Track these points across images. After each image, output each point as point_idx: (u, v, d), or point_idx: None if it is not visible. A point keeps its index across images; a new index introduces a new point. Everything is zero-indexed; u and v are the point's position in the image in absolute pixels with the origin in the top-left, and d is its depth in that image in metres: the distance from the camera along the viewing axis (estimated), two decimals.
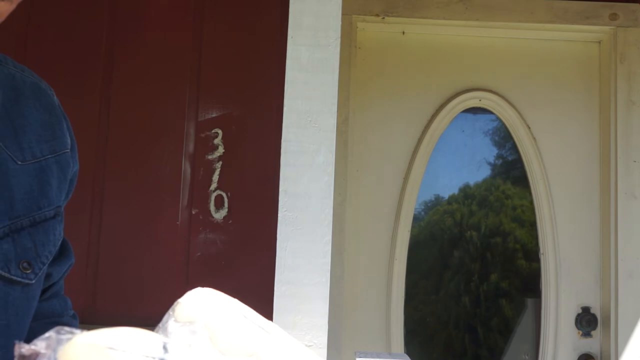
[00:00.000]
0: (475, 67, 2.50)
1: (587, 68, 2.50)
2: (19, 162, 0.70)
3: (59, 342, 0.35)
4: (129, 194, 2.20)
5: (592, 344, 2.39)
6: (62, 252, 0.82)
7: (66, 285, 0.89)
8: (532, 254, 2.50)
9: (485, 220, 2.55)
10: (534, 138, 2.48)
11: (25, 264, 0.68)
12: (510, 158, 2.58)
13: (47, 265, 0.74)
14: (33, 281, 0.70)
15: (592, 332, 2.39)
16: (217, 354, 0.42)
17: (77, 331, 0.37)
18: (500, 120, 2.52)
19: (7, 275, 0.67)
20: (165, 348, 0.40)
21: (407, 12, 2.39)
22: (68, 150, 0.78)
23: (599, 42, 2.49)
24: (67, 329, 0.37)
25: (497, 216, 2.55)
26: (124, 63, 2.25)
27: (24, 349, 0.34)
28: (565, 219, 2.44)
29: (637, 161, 2.33)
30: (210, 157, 2.22)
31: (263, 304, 1.69)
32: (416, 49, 2.50)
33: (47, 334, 0.36)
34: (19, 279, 0.68)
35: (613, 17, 2.37)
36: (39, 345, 0.35)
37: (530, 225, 2.51)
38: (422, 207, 2.54)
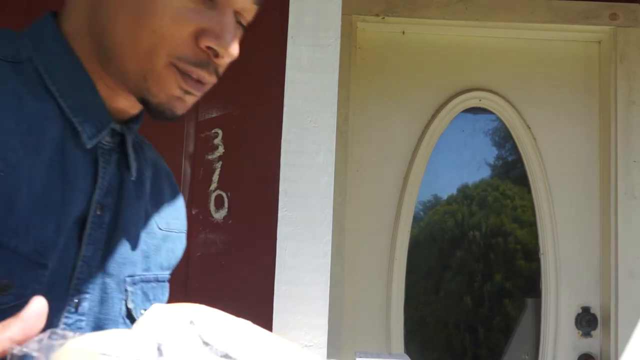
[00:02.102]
0: (475, 67, 2.50)
1: (587, 68, 2.50)
2: (160, 229, 0.85)
3: (51, 348, 0.35)
4: None
5: (592, 344, 2.39)
6: None
7: None
8: (532, 254, 2.50)
9: (485, 220, 2.55)
10: (534, 138, 2.47)
11: (144, 311, 0.80)
12: (510, 158, 2.58)
13: None
14: None
15: (592, 332, 2.38)
16: (212, 356, 0.42)
17: (70, 334, 0.37)
18: (500, 120, 2.52)
19: (136, 318, 0.79)
20: (159, 350, 0.39)
21: (407, 12, 2.38)
22: (184, 232, 0.93)
23: (599, 42, 2.48)
24: (59, 332, 0.36)
25: (497, 216, 2.55)
26: None
27: (15, 349, 0.34)
28: (565, 219, 2.44)
29: (637, 161, 2.33)
30: (210, 157, 2.22)
31: (263, 304, 1.70)
32: (416, 49, 2.50)
33: (38, 337, 0.36)
34: None
35: (613, 17, 2.37)
36: (31, 347, 0.35)
37: (530, 225, 2.51)
38: (422, 207, 2.54)
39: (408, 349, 2.43)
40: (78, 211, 0.70)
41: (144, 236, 0.81)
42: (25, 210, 0.63)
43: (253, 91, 2.23)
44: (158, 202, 0.86)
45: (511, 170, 2.57)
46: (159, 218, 0.85)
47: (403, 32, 2.47)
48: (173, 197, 0.91)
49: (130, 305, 0.78)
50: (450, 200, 2.57)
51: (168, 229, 0.87)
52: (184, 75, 0.70)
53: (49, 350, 0.35)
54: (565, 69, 2.50)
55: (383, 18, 2.39)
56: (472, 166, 2.57)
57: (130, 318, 0.78)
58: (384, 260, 2.43)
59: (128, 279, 0.77)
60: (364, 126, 2.45)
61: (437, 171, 2.52)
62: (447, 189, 2.57)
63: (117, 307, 0.76)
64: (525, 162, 2.49)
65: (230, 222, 2.20)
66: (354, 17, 2.37)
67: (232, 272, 2.18)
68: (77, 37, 0.72)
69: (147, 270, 0.82)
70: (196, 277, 2.18)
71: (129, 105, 0.77)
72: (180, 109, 0.73)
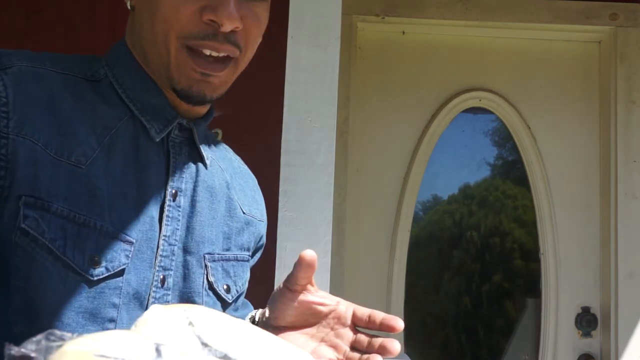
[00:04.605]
0: (475, 67, 2.50)
1: (587, 68, 2.50)
2: (243, 213, 0.96)
3: (49, 349, 0.35)
4: None
5: (592, 344, 2.39)
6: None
7: None
8: (531, 254, 2.50)
9: (485, 220, 2.55)
10: (534, 138, 2.47)
11: (225, 287, 0.90)
12: (510, 158, 2.58)
13: (241, 293, 0.96)
14: (230, 301, 0.92)
15: (592, 332, 2.38)
16: (211, 357, 0.42)
17: (68, 336, 0.37)
18: (500, 120, 2.52)
19: (217, 290, 0.89)
20: (158, 351, 0.39)
21: (407, 12, 2.38)
22: (264, 222, 1.03)
23: (599, 42, 2.48)
24: (57, 334, 0.36)
25: (497, 216, 2.55)
26: None
27: (13, 350, 0.34)
28: (565, 219, 2.44)
29: (637, 161, 2.33)
30: None
31: (263, 304, 1.70)
32: (416, 49, 2.50)
33: (36, 338, 0.36)
34: (222, 296, 0.90)
35: (613, 17, 2.37)
36: (28, 348, 0.35)
37: (530, 225, 2.51)
38: (422, 207, 2.54)
39: (408, 349, 2.43)
40: (156, 196, 0.82)
41: (225, 219, 0.92)
42: (106, 196, 0.76)
43: (253, 91, 2.23)
44: (241, 192, 0.98)
45: (511, 170, 2.57)
46: (242, 204, 0.97)
47: (403, 32, 2.47)
48: (254, 191, 1.03)
49: (211, 279, 0.88)
50: (451, 200, 2.57)
51: (250, 214, 0.98)
52: (196, 56, 0.79)
53: (47, 351, 0.35)
54: (565, 69, 2.50)
55: (383, 18, 2.39)
56: (472, 166, 2.57)
57: (212, 290, 0.88)
58: (384, 260, 2.43)
59: (207, 256, 0.88)
60: (364, 126, 2.45)
61: (437, 171, 2.52)
62: (447, 189, 2.57)
63: (199, 281, 0.86)
64: (525, 162, 2.49)
65: None
66: (354, 17, 2.37)
67: None
68: (133, 49, 0.85)
69: (227, 250, 0.92)
70: None
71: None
72: (208, 91, 0.82)
